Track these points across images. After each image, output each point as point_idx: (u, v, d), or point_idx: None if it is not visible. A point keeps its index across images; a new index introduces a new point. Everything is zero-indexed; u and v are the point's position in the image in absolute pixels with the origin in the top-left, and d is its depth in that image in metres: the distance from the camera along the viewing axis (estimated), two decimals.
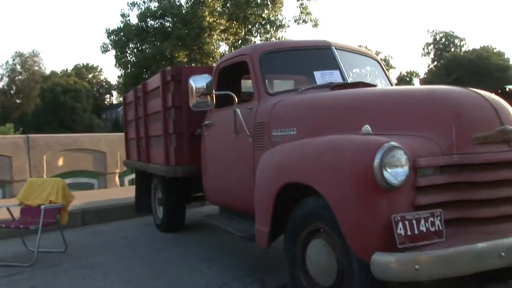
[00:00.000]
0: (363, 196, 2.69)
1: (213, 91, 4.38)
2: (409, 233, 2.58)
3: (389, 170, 2.62)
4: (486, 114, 3.00)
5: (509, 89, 7.37)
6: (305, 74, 4.79)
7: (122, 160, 9.59)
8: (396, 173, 2.63)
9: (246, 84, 5.28)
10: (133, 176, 8.63)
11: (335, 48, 4.62)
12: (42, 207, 5.39)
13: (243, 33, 36.98)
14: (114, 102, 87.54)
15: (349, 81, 4.34)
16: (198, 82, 4.34)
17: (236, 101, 4.41)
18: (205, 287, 4.19)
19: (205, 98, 4.34)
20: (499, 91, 7.39)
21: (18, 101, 78.32)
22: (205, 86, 4.31)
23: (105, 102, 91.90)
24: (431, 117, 3.04)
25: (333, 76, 4.43)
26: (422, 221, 2.62)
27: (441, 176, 2.82)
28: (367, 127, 2.91)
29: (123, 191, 10.03)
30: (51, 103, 65.24)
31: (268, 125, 4.03)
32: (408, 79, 72.55)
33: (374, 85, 4.32)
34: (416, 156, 2.75)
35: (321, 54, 4.64)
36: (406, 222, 2.59)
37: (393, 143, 2.65)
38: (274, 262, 4.74)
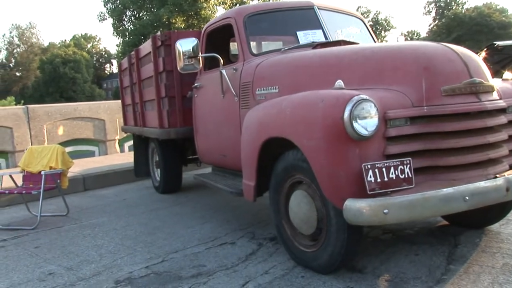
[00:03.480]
0: (335, 147, 2.87)
1: (200, 53, 4.51)
2: (378, 180, 2.76)
3: (359, 121, 2.78)
4: (455, 67, 3.14)
5: (497, 45, 7.42)
6: (290, 35, 4.91)
7: (121, 126, 9.76)
8: (366, 124, 2.80)
9: (235, 47, 5.41)
10: (132, 142, 8.80)
11: (318, 8, 4.72)
12: (42, 172, 5.59)
13: None
14: (115, 71, 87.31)
15: (330, 40, 4.47)
16: (185, 45, 4.46)
17: (222, 62, 4.55)
18: (198, 241, 4.41)
19: (192, 61, 4.47)
20: (487, 48, 7.46)
21: (18, 74, 78.21)
22: (191, 49, 4.44)
23: (105, 71, 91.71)
24: (402, 71, 3.18)
25: (316, 36, 4.56)
26: (392, 169, 2.80)
27: (411, 126, 2.98)
28: (339, 82, 3.07)
29: (123, 157, 10.24)
30: (51, 75, 65.24)
31: (252, 85, 4.18)
32: (409, 38, 72.01)
33: (356, 43, 4.44)
34: (386, 108, 2.91)
35: (304, 14, 4.75)
36: (376, 170, 2.77)
37: (362, 96, 2.81)
38: (266, 217, 4.96)
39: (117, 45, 47.48)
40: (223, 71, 4.51)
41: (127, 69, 7.72)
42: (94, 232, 5.05)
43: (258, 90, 4.10)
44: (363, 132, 2.80)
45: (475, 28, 54.00)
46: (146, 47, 6.45)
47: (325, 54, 3.80)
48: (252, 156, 3.69)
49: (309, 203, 3.30)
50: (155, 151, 7.09)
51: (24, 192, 5.68)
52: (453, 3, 71.29)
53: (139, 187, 7.78)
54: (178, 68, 4.56)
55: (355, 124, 2.78)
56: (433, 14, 73.44)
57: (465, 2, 70.51)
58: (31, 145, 9.79)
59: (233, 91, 4.41)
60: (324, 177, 2.95)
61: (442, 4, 71.94)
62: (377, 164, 2.78)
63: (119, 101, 9.27)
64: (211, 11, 35.53)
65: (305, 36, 4.55)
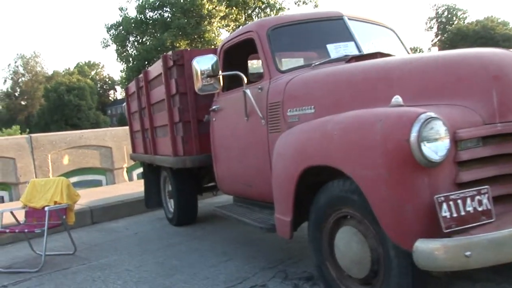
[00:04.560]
0: (399, 176, 2.37)
1: (220, 72, 4.05)
2: (454, 215, 2.26)
3: (427, 144, 2.29)
4: None
5: None
6: (317, 48, 4.47)
7: (128, 154, 9.29)
8: (437, 148, 2.31)
9: (253, 65, 4.97)
10: (141, 170, 8.33)
11: (348, 19, 4.27)
12: (46, 208, 5.10)
13: (243, 18, 36.66)
14: (119, 97, 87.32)
15: (365, 53, 3.99)
16: (203, 63, 4.00)
17: (246, 81, 4.07)
18: (224, 284, 3.88)
19: (211, 81, 4.01)
20: None
21: (23, 102, 78.31)
22: (210, 68, 3.97)
23: (109, 98, 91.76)
24: (467, 83, 2.70)
25: (348, 48, 4.09)
26: (468, 200, 2.30)
27: (484, 148, 2.50)
28: (397, 98, 2.57)
29: (132, 186, 9.75)
30: (56, 103, 65.14)
31: (282, 105, 3.69)
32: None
33: (393, 56, 3.96)
34: (455, 128, 2.42)
35: (333, 26, 4.29)
36: (451, 203, 2.27)
37: (430, 113, 2.32)
38: (297, 252, 4.44)
39: (121, 71, 47.37)
40: (247, 91, 4.03)
41: (135, 93, 7.25)
42: (104, 274, 4.53)
43: (290, 111, 3.60)
44: (433, 156, 2.30)
45: (480, 42, 53.66)
46: (156, 68, 5.98)
47: (370, 67, 3.31)
48: (288, 187, 3.18)
49: (360, 241, 2.78)
50: (167, 180, 6.58)
51: (26, 230, 5.18)
52: (454, 18, 71.21)
53: (150, 218, 7.26)
54: (196, 89, 4.09)
55: (423, 148, 2.28)
56: (434, 29, 73.33)
57: (466, 17, 70.46)
58: (35, 176, 9.35)
59: (259, 113, 3.91)
60: (386, 213, 2.44)
61: (443, 20, 71.82)
62: (451, 195, 2.28)
63: (126, 127, 8.85)
64: (215, 34, 35.43)
65: (336, 49, 4.07)
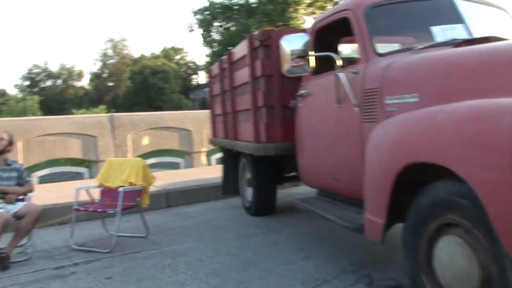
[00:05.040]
0: None
1: (311, 52, 3.70)
2: None
3: None
4: None
5: None
6: (418, 31, 3.99)
7: (208, 138, 9.15)
8: None
9: (344, 52, 4.59)
10: (220, 155, 8.15)
11: None
12: (120, 189, 4.99)
13: (330, 6, 35.90)
14: (201, 82, 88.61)
15: (476, 37, 3.50)
16: (293, 43, 3.67)
17: (339, 63, 3.69)
18: (301, 284, 3.56)
19: (301, 62, 3.66)
20: None
21: (110, 84, 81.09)
22: (301, 48, 3.63)
23: (192, 82, 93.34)
24: None
25: (456, 32, 3.61)
26: None
27: None
28: None
29: (209, 171, 9.63)
30: (141, 85, 66.91)
31: (380, 92, 3.28)
32: None
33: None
34: None
35: (439, 6, 3.82)
36: None
37: None
38: (383, 255, 4.05)
39: (206, 56, 47.88)
40: (340, 75, 3.65)
41: (218, 75, 7.04)
42: (175, 262, 4.33)
43: (389, 98, 3.19)
44: None
45: None
46: (241, 49, 5.71)
47: (487, 51, 2.83)
48: (383, 185, 2.79)
49: (467, 255, 2.36)
50: (246, 167, 6.32)
51: (99, 210, 5.10)
52: None
53: (227, 205, 7.06)
54: (284, 71, 3.78)
55: None
56: None
57: None
58: (114, 155, 9.41)
59: (353, 100, 3.53)
60: (510, 227, 2.00)
61: None
62: None
63: (207, 111, 8.69)
64: (300, 21, 34.96)
65: (442, 32, 3.60)
